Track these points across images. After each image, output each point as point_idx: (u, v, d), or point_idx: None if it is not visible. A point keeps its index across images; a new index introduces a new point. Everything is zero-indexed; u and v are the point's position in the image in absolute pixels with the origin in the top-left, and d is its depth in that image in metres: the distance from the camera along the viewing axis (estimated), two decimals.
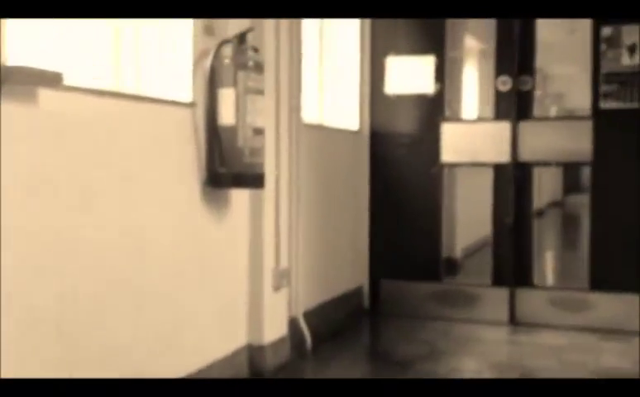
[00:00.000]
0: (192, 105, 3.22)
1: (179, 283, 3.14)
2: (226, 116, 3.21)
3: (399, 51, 5.30)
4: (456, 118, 5.36)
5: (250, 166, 3.26)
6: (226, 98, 3.20)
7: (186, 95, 3.21)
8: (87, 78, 2.72)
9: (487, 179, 5.10)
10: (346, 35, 5.27)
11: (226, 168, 3.20)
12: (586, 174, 5.01)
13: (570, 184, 10.51)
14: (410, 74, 5.27)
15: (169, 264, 3.07)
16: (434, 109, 5.21)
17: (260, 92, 3.29)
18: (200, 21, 3.24)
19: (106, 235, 2.68)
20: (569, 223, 11.93)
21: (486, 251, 5.20)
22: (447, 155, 5.17)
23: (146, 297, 2.92)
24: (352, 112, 5.35)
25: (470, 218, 5.66)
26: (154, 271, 2.97)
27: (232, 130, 3.21)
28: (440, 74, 5.18)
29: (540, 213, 11.41)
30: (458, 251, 5.80)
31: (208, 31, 3.29)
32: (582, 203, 5.50)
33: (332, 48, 5.12)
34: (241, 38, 3.29)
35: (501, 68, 5.04)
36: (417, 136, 5.26)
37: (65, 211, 2.48)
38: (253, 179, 3.31)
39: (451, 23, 5.18)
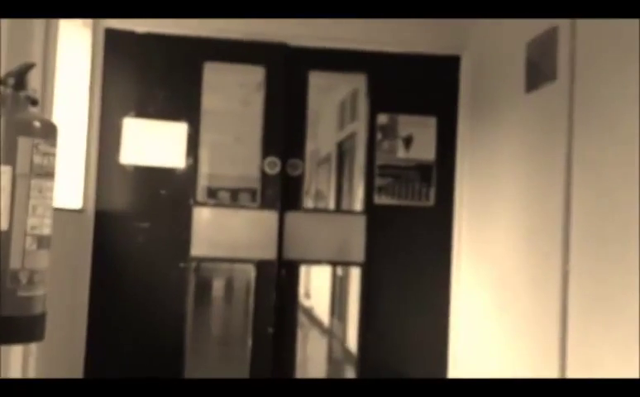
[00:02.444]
0: None
1: None
2: None
3: (141, 113, 4.13)
4: (213, 202, 4.34)
5: (27, 304, 1.86)
6: None
7: None
8: None
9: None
10: (71, 85, 3.92)
11: None
12: None
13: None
14: (155, 143, 4.13)
15: None
16: (185, 188, 4.16)
17: (51, 174, 1.94)
18: None
19: None
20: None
21: None
22: (199, 247, 4.14)
23: None
24: (74, 184, 3.98)
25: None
26: None
27: (2, 240, 1.80)
28: (193, 147, 4.16)
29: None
30: None
31: None
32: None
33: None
34: (19, 80, 1.91)
35: (268, 147, 4.24)
36: (162, 220, 4.13)
37: None
38: (29, 327, 1.90)
39: (207, 87, 4.21)
